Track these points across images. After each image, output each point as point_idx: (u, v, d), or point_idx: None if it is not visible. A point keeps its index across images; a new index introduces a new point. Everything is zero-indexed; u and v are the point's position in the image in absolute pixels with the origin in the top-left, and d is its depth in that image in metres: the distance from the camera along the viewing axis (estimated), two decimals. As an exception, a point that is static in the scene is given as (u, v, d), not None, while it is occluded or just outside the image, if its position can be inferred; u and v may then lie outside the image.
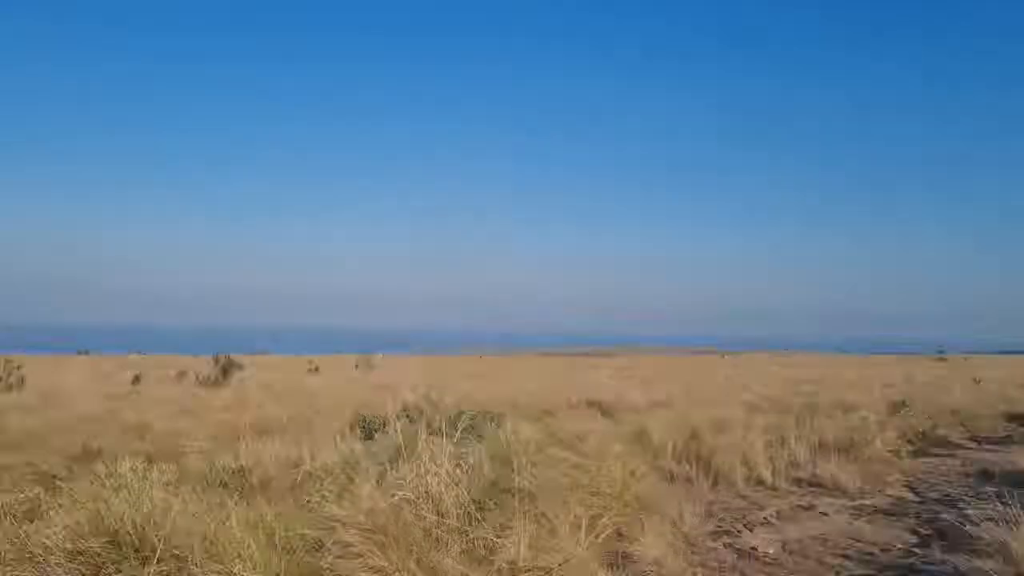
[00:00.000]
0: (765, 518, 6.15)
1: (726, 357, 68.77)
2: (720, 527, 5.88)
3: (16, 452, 8.20)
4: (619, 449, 6.32)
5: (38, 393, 15.05)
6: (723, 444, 7.90)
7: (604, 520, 4.96)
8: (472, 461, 5.81)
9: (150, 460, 7.59)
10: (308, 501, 5.41)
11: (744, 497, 6.87)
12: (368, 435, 8.09)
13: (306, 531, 4.18)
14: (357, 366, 28.24)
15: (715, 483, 7.23)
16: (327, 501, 4.91)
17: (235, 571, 3.56)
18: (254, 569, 3.61)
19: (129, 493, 4.19)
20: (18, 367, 16.32)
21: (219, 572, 3.59)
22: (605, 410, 11.72)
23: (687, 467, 7.45)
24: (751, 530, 5.81)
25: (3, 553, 4.36)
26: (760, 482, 7.32)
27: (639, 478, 5.98)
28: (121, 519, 3.87)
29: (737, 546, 5.40)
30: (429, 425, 6.75)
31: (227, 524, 3.87)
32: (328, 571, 3.84)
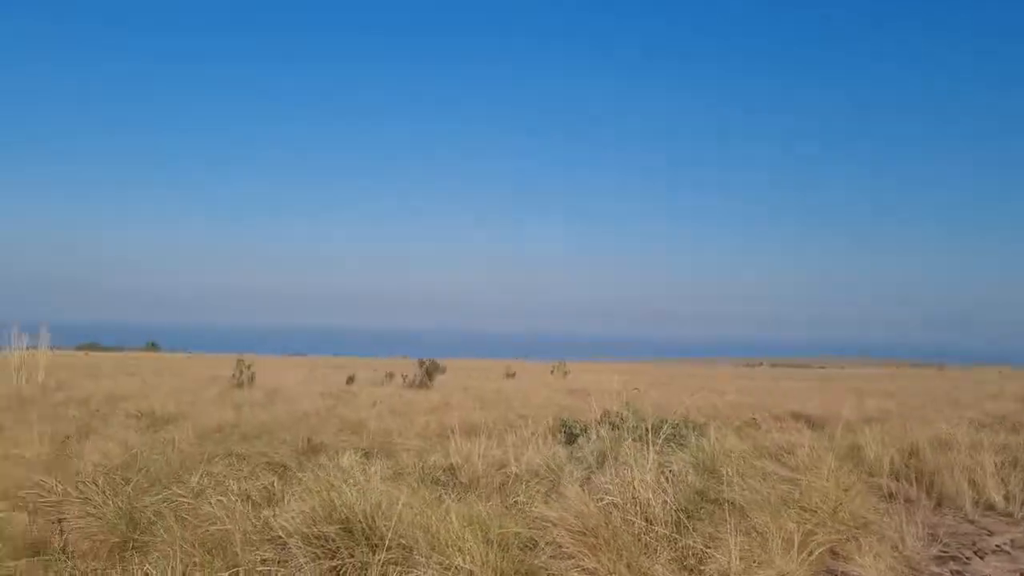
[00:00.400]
0: (998, 546, 5.68)
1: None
2: (946, 552, 5.49)
3: (251, 442, 8.98)
4: (831, 464, 6.05)
5: (265, 390, 16.42)
6: (947, 463, 7.36)
7: (818, 537, 4.78)
8: (676, 469, 5.78)
9: (367, 455, 8.12)
10: (515, 501, 5.59)
11: (972, 522, 6.37)
12: (570, 439, 8.22)
13: (519, 529, 4.32)
14: (553, 371, 28.74)
15: (938, 505, 6.75)
16: (535, 502, 5.06)
17: (455, 563, 3.75)
18: (473, 562, 3.78)
19: (356, 484, 4.50)
20: (249, 366, 17.89)
21: (441, 564, 3.79)
22: (813, 423, 11.24)
23: (906, 486, 7.01)
24: (982, 558, 5.38)
25: (247, 534, 4.81)
26: (991, 507, 6.75)
27: (853, 495, 5.70)
28: (351, 508, 4.17)
29: (966, 574, 5.03)
30: (631, 432, 6.77)
31: (447, 519, 4.09)
32: (542, 570, 3.96)
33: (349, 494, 4.27)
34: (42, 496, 5.97)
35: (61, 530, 5.39)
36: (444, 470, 7.07)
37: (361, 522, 4.08)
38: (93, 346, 56.91)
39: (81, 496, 5.79)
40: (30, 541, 5.18)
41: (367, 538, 4.03)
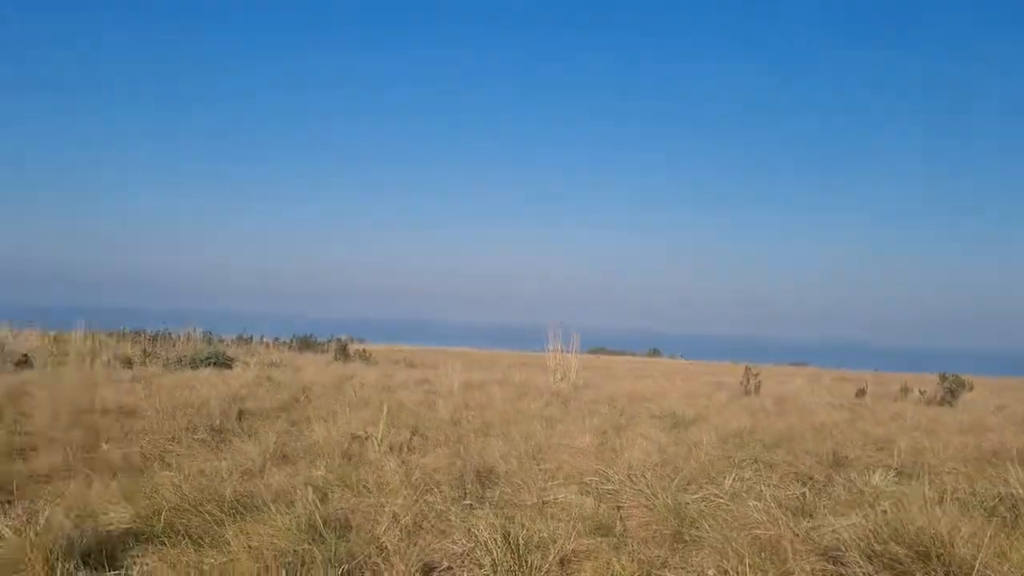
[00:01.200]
0: None
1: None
2: None
3: (771, 451, 9.05)
4: None
5: (772, 398, 16.38)
6: None
7: None
8: None
9: (899, 474, 7.64)
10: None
11: None
12: None
13: None
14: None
15: None
16: None
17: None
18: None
19: (919, 505, 4.28)
20: (756, 374, 18.04)
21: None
22: None
23: None
24: None
25: (791, 541, 4.86)
26: None
27: None
28: (922, 530, 3.97)
29: None
30: None
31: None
32: None
33: (920, 516, 4.07)
34: (601, 484, 6.73)
35: (620, 516, 6.01)
36: (996, 499, 6.35)
37: (938, 547, 3.85)
38: (602, 350, 62.16)
39: (634, 488, 6.39)
40: (597, 523, 5.84)
41: (944, 565, 3.79)
